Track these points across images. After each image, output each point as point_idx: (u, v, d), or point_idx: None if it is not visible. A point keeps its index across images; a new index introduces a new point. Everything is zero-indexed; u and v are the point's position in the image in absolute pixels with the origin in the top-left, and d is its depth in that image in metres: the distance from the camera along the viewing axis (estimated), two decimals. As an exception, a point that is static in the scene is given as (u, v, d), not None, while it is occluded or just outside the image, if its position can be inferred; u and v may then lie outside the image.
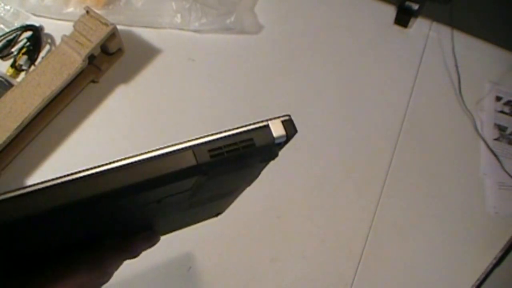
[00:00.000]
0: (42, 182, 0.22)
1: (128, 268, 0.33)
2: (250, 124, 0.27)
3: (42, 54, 0.70)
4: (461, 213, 0.66)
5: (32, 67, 0.68)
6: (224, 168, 0.27)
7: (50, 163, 0.64)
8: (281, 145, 0.28)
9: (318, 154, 0.68)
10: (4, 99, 0.61)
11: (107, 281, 0.32)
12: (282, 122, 0.28)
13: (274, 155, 0.29)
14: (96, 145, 0.66)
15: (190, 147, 0.25)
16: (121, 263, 0.33)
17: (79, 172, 0.23)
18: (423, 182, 0.68)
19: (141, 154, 0.24)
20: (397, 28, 0.78)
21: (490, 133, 0.72)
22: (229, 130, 0.26)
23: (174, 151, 0.25)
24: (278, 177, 0.66)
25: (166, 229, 0.41)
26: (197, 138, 0.26)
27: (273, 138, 0.27)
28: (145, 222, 0.35)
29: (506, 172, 0.69)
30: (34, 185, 0.22)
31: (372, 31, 0.78)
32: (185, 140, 0.26)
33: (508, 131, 0.72)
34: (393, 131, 0.70)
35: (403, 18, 0.77)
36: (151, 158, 0.24)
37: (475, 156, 0.70)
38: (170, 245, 0.61)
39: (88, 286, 0.29)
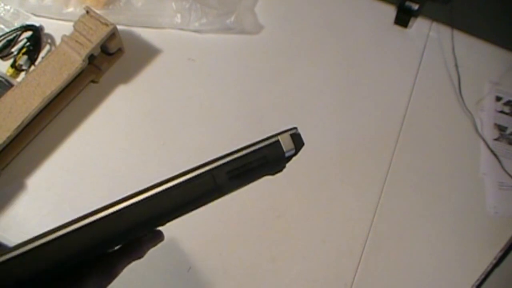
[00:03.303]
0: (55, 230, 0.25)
1: (128, 268, 0.33)
2: (261, 141, 0.29)
3: (42, 54, 0.70)
4: (461, 213, 0.66)
5: (32, 67, 0.68)
6: (237, 183, 0.29)
7: (50, 163, 0.64)
8: (289, 158, 0.30)
9: (318, 154, 0.68)
10: (4, 99, 0.61)
11: (111, 282, 0.32)
12: (291, 135, 0.30)
13: (282, 168, 0.32)
14: (96, 145, 0.66)
15: (209, 171, 0.27)
16: (127, 265, 0.33)
17: (112, 205, 0.25)
18: (423, 182, 0.68)
19: (162, 183, 0.26)
20: (397, 28, 0.78)
21: (490, 133, 0.72)
22: (243, 149, 0.28)
23: (194, 177, 0.27)
24: (278, 177, 0.66)
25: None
26: (214, 161, 0.27)
27: (284, 152, 0.29)
28: None
29: (506, 172, 0.69)
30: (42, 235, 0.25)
31: (372, 31, 0.78)
32: (203, 162, 0.27)
33: (508, 131, 0.72)
34: (393, 131, 0.70)
35: (403, 18, 0.77)
36: (173, 186, 0.26)
37: (475, 156, 0.70)
38: (170, 245, 0.61)
39: None
